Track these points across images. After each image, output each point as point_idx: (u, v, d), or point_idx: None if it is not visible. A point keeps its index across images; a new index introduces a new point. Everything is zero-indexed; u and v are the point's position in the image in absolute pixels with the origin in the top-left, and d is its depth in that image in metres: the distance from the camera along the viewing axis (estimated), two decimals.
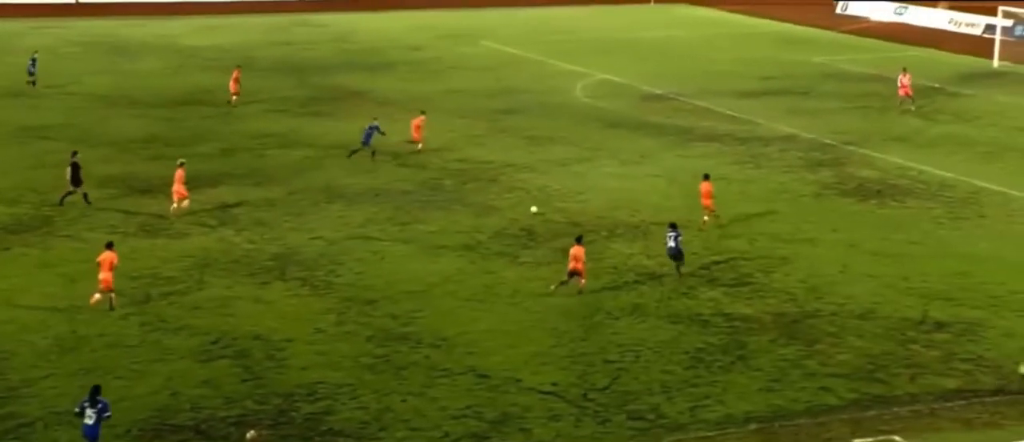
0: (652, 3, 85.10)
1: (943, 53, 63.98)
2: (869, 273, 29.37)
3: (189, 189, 34.19)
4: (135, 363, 24.05)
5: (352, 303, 27.45)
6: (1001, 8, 62.51)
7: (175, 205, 33.62)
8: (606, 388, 23.19)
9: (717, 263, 30.08)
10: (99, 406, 19.90)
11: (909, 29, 73.12)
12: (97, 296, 26.40)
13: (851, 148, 41.96)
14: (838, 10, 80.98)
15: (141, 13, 79.07)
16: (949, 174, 38.51)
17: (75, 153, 35.34)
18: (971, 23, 71.77)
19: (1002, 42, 60.51)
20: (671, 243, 29.26)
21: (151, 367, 23.86)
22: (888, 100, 51.06)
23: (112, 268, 26.49)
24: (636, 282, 28.80)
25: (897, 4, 78.28)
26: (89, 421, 19.83)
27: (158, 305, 27.10)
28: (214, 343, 25.04)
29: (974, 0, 72.89)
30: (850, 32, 72.24)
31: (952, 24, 73.22)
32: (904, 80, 49.39)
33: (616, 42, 68.33)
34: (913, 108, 48.81)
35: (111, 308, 26.30)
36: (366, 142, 39.94)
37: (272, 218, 33.83)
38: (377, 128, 40.29)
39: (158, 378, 23.31)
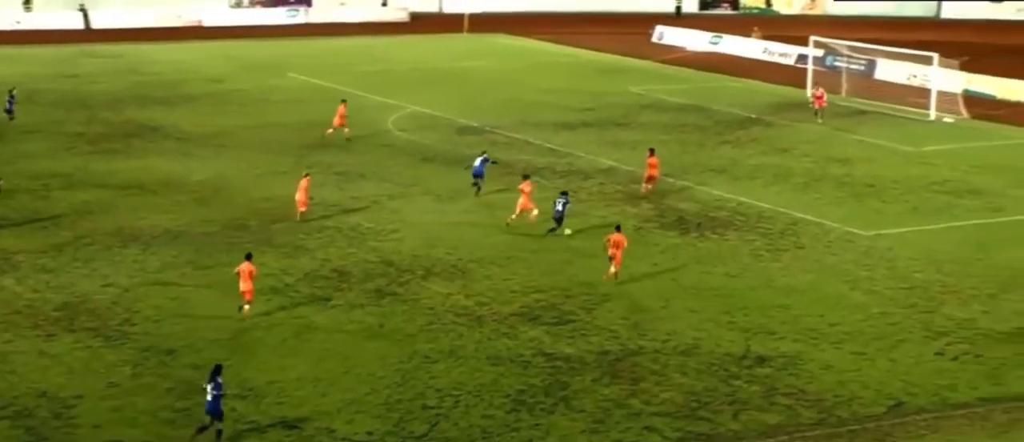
0: (466, 33, 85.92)
1: (758, 83, 66.58)
2: (691, 308, 30.18)
3: None
4: None
5: (150, 354, 26.63)
6: (812, 38, 65.42)
7: (303, 211, 36.79)
8: (424, 435, 23.10)
9: (539, 302, 30.40)
10: (214, 383, 22.30)
11: (725, 59, 75.82)
12: (246, 308, 28.69)
13: (671, 180, 43.13)
14: (654, 39, 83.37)
15: None
16: (767, 205, 39.98)
17: None
18: (784, 53, 74.89)
19: (814, 72, 63.32)
20: (558, 207, 35.41)
21: None
22: (705, 131, 52.79)
23: (251, 278, 28.71)
24: (454, 323, 28.85)
25: (712, 34, 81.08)
26: (209, 398, 22.32)
27: None
28: None
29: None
30: (666, 62, 74.45)
31: (766, 54, 76.26)
32: (817, 92, 55.17)
33: (429, 73, 68.68)
34: (821, 121, 53.86)
35: (241, 311, 28.64)
36: (479, 174, 40.37)
37: (58, 265, 32.57)
38: (487, 159, 40.98)
39: None
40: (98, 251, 33.93)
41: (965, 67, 61.61)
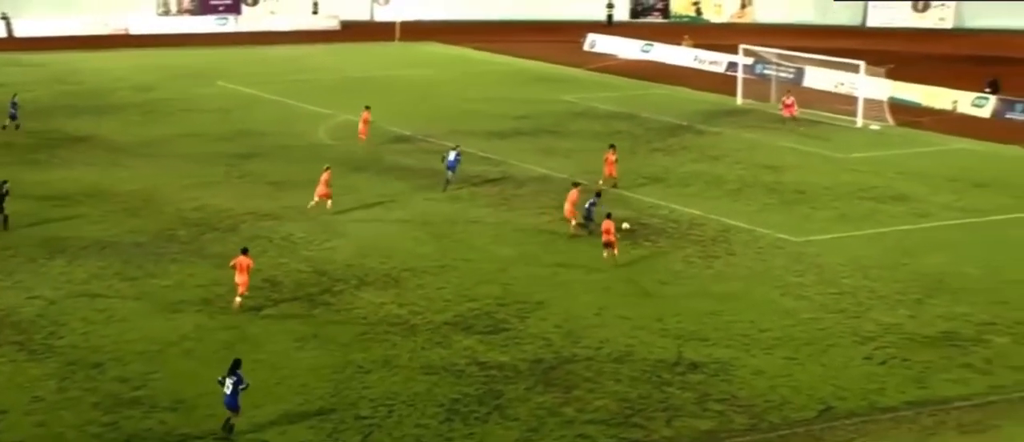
0: (397, 41, 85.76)
1: (689, 90, 67.15)
2: (624, 315, 30.36)
3: None
4: None
5: (76, 367, 26.24)
6: (742, 46, 66.15)
7: (315, 201, 38.68)
8: None
9: (472, 310, 30.41)
10: (235, 377, 22.89)
11: (656, 66, 76.38)
12: (238, 300, 29.65)
13: (604, 188, 43.29)
14: (586, 47, 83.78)
15: None
16: (699, 212, 40.34)
17: (4, 182, 37.02)
18: (715, 61, 75.59)
19: (744, 80, 64.01)
20: (587, 206, 36.80)
21: None
22: (637, 138, 53.14)
23: (247, 271, 29.75)
24: (388, 333, 28.78)
25: (643, 42, 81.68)
26: (227, 391, 22.87)
27: None
28: None
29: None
30: (598, 70, 74.85)
31: (697, 61, 76.96)
32: (787, 101, 55.98)
33: (361, 82, 68.45)
34: (801, 129, 54.47)
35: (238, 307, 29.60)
36: (452, 168, 42.24)
37: None
38: (461, 155, 43.07)
39: None
40: (23, 263, 33.39)
41: (891, 75, 62.63)
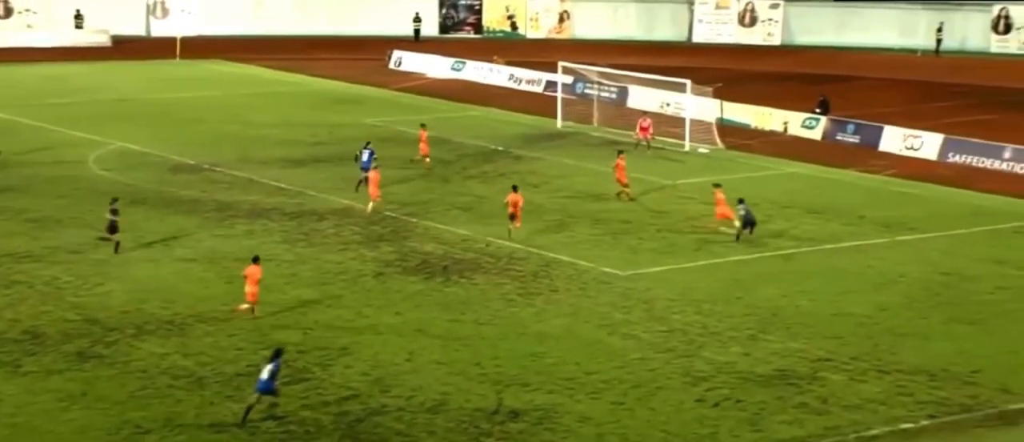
0: (178, 59, 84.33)
1: (505, 112, 67.95)
2: (438, 360, 30.47)
3: None
4: None
5: None
6: (561, 64, 67.22)
7: (373, 204, 43.17)
8: None
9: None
10: (274, 365, 26.15)
11: (468, 86, 77.08)
12: (243, 306, 32.55)
13: (413, 220, 43.50)
14: (391, 65, 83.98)
15: None
16: (518, 246, 40.80)
17: (115, 200, 39.20)
18: (532, 79, 76.66)
19: (564, 100, 65.09)
20: (741, 212, 41.68)
21: None
22: (449, 165, 53.51)
23: (257, 282, 32.45)
24: (171, 387, 28.20)
25: (454, 59, 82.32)
26: (264, 376, 25.96)
27: None
28: None
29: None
30: (404, 90, 75.13)
31: (513, 80, 77.92)
32: (644, 123, 57.87)
33: (137, 104, 67.12)
34: (649, 153, 56.57)
35: (254, 313, 32.56)
36: (366, 168, 45.22)
37: None
38: (374, 153, 46.33)
39: None
40: None
41: (719, 94, 64.60)
